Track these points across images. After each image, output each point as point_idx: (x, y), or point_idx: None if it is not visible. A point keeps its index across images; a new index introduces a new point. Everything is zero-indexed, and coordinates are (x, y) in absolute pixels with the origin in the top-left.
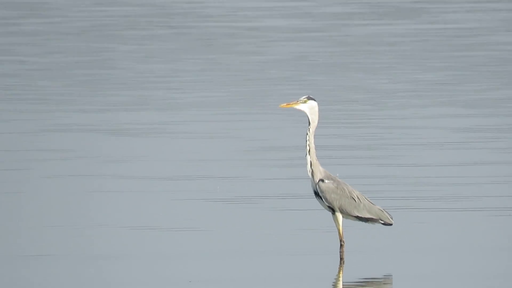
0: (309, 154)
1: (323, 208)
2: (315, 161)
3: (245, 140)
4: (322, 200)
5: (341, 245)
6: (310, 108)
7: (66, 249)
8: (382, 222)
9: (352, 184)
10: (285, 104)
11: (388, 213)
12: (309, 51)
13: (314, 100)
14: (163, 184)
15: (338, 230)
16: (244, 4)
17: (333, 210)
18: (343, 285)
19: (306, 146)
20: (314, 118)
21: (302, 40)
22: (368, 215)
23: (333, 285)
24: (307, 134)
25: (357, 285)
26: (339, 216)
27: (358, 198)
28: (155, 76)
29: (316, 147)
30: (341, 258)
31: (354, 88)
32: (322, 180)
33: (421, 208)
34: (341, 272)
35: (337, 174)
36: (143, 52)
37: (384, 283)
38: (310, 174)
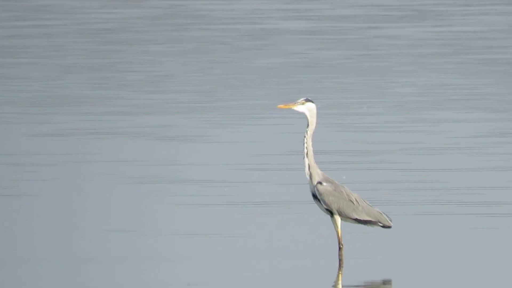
0: (306, 157)
1: (322, 211)
2: (313, 164)
3: (263, 144)
4: (320, 203)
5: (340, 248)
6: (309, 110)
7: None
8: (381, 224)
9: (357, 188)
10: (283, 105)
11: (387, 216)
12: (324, 54)
13: (312, 102)
14: (171, 188)
15: (337, 233)
16: (265, 6)
17: (331, 213)
18: None
19: (304, 148)
20: (312, 120)
21: (317, 43)
22: (366, 218)
23: None
24: (304, 136)
25: (356, 287)
26: (338, 218)
27: (356, 200)
28: (175, 80)
29: (333, 151)
30: (340, 261)
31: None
32: (320, 183)
33: (421, 212)
34: (340, 276)
35: (344, 177)
36: (162, 55)
37: (383, 287)
38: (308, 177)
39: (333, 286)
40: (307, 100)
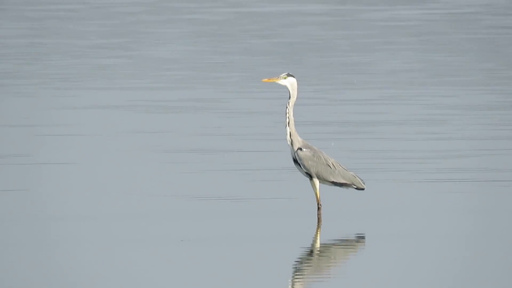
0: (288, 125)
1: (302, 174)
2: (293, 132)
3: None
4: (300, 167)
5: (318, 208)
6: (290, 84)
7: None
8: (355, 187)
9: (341, 155)
10: (266, 79)
11: (360, 179)
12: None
13: (293, 76)
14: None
15: (316, 194)
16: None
17: (310, 176)
18: (320, 243)
19: (286, 118)
20: (293, 93)
21: (314, 24)
22: (342, 180)
23: (311, 243)
24: (286, 107)
25: (333, 243)
26: (316, 181)
27: (333, 165)
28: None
29: (319, 122)
30: (319, 220)
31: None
32: (300, 149)
33: (398, 178)
34: (318, 232)
35: (332, 144)
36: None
37: (358, 242)
38: (289, 143)
39: (312, 241)
40: (289, 75)
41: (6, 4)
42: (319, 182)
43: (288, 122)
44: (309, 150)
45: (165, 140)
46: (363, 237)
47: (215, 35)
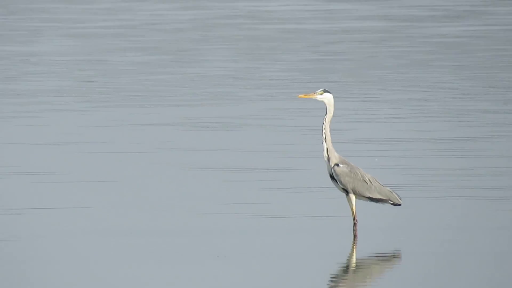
0: (325, 141)
1: (338, 190)
2: (330, 148)
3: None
4: (337, 182)
5: (354, 224)
6: (327, 100)
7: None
8: (392, 202)
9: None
10: (302, 95)
11: (397, 194)
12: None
13: (330, 92)
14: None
15: (352, 210)
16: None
17: (347, 192)
18: (356, 259)
19: (323, 134)
20: (330, 109)
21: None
22: (378, 196)
23: (347, 259)
24: (323, 123)
25: (369, 259)
26: (353, 197)
27: (369, 180)
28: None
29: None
30: (355, 235)
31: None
32: (337, 165)
33: (434, 195)
34: (354, 248)
35: (376, 160)
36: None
37: (394, 258)
38: (326, 159)
39: (348, 257)
40: (325, 91)
41: (59, 22)
42: (356, 197)
43: (325, 138)
44: (346, 166)
45: (209, 157)
46: (399, 254)
47: (260, 52)
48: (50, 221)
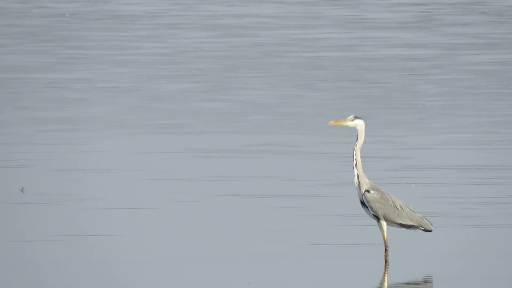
0: (356, 167)
1: (369, 216)
2: (361, 174)
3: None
4: (368, 209)
5: (385, 250)
6: (358, 126)
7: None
8: (423, 228)
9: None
10: (333, 121)
11: (428, 220)
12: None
13: (361, 119)
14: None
15: (383, 236)
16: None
17: (378, 218)
18: (387, 286)
19: (353, 160)
20: (361, 135)
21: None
22: (410, 223)
23: (378, 286)
24: (353, 149)
25: (400, 285)
26: (384, 223)
27: (400, 207)
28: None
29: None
30: (386, 261)
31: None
32: (368, 191)
33: (466, 222)
34: (386, 275)
35: (413, 186)
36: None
37: (425, 284)
38: (357, 186)
39: (379, 283)
40: (356, 117)
41: (101, 49)
42: (387, 224)
43: (356, 164)
44: (376, 192)
45: (246, 184)
46: (430, 280)
47: (299, 79)
48: (95, 248)
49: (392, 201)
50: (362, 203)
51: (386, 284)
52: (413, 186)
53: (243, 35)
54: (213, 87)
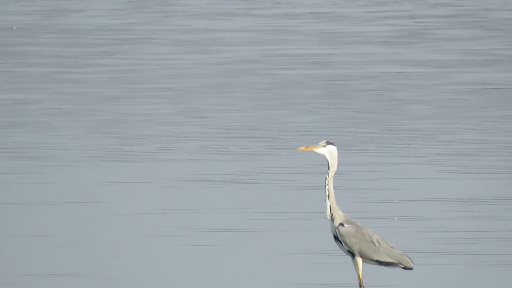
0: (328, 198)
1: (343, 252)
2: (334, 206)
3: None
4: (342, 244)
5: None
6: (330, 153)
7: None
8: (402, 266)
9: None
10: (304, 147)
11: (408, 257)
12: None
13: (333, 145)
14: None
15: (358, 275)
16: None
17: (353, 255)
18: None
19: (325, 191)
20: (333, 162)
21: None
22: (388, 259)
23: None
24: (326, 178)
25: None
26: (359, 260)
27: (378, 242)
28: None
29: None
30: None
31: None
32: (342, 225)
33: (446, 252)
34: None
35: (395, 218)
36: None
37: None
38: (329, 219)
39: None
40: (328, 143)
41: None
42: (362, 261)
43: (328, 195)
44: (351, 225)
45: (208, 218)
46: None
47: (274, 99)
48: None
49: (368, 235)
50: (336, 238)
51: None
52: (395, 219)
53: (214, 51)
54: (179, 109)
